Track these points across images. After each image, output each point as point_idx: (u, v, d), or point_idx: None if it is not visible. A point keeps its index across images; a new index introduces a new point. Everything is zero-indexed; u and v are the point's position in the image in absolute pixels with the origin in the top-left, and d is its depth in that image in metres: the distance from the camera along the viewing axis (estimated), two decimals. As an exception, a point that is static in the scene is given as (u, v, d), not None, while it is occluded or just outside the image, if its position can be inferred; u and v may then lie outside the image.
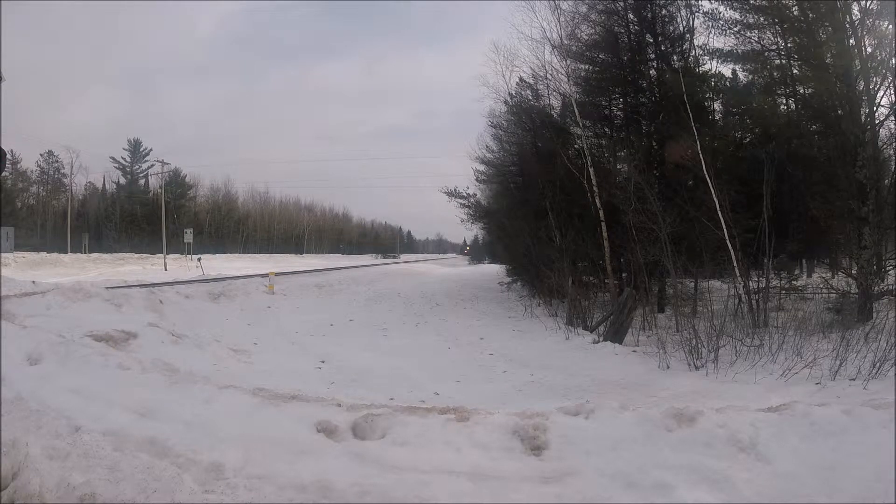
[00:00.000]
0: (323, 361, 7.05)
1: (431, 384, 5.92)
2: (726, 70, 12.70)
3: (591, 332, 9.27)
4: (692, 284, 11.17)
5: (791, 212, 10.37)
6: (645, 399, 4.95)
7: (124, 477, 2.45)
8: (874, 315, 7.57)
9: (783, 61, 11.66)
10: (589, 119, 13.66)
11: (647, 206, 10.03)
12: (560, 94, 14.43)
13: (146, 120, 73.55)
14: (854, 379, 5.02)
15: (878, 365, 5.03)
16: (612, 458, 2.51)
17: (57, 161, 44.02)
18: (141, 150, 48.62)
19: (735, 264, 9.50)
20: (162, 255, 27.38)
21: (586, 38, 13.26)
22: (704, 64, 12.39)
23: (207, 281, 15.03)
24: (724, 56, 11.87)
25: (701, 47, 12.13)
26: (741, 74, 12.78)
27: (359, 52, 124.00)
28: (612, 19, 12.81)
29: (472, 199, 19.44)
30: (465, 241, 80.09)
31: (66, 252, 33.20)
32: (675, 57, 12.42)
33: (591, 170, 12.42)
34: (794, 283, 10.59)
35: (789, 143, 10.60)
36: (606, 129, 14.16)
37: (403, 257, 63.66)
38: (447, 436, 2.76)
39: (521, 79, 15.20)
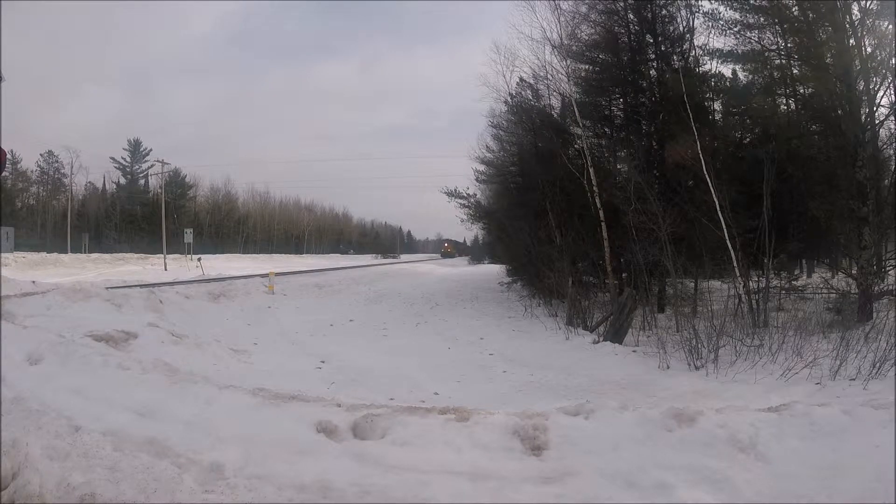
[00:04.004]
0: (323, 361, 7.05)
1: (431, 384, 5.92)
2: (726, 70, 12.69)
3: (591, 332, 9.27)
4: (692, 284, 11.17)
5: (791, 212, 10.36)
6: (645, 399, 4.95)
7: (124, 477, 2.45)
8: (874, 315, 7.58)
9: (783, 61, 11.65)
10: (589, 119, 13.66)
11: (647, 206, 10.03)
12: (560, 94, 14.45)
13: (146, 120, 73.58)
14: (854, 379, 5.03)
15: (878, 365, 5.03)
16: (612, 458, 2.51)
17: (57, 161, 44.05)
18: (141, 150, 48.62)
19: (735, 264, 9.50)
20: (162, 255, 27.36)
21: (586, 38, 13.28)
22: (704, 64, 12.40)
23: (207, 281, 15.04)
24: (724, 56, 11.87)
25: (701, 47, 12.14)
26: (741, 74, 12.77)
27: (358, 51, 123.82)
28: (612, 19, 12.82)
29: (472, 199, 19.41)
30: (464, 239, 75.75)
31: (66, 252, 33.20)
32: (675, 57, 12.42)
33: (591, 170, 12.42)
34: (794, 283, 10.59)
35: (789, 143, 10.59)
36: (606, 129, 14.16)
37: (403, 257, 63.52)
38: (447, 436, 2.76)
39: (521, 79, 15.22)
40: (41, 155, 43.66)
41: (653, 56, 12.63)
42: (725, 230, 9.61)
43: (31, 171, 43.79)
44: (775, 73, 11.92)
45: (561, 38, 13.23)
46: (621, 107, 13.48)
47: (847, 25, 9.21)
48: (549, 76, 14.24)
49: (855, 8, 9.35)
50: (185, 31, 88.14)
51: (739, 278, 9.47)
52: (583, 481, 2.38)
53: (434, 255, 77.09)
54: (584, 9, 13.08)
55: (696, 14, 11.92)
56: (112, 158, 47.79)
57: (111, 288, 10.94)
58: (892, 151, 10.14)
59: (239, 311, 11.55)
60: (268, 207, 60.40)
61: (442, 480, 2.40)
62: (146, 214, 44.02)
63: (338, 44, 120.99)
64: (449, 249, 72.45)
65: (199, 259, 22.45)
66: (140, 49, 79.37)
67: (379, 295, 16.47)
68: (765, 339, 6.73)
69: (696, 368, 6.35)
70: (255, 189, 58.90)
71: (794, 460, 2.40)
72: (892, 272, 9.10)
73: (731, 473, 2.33)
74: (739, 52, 11.68)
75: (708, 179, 9.87)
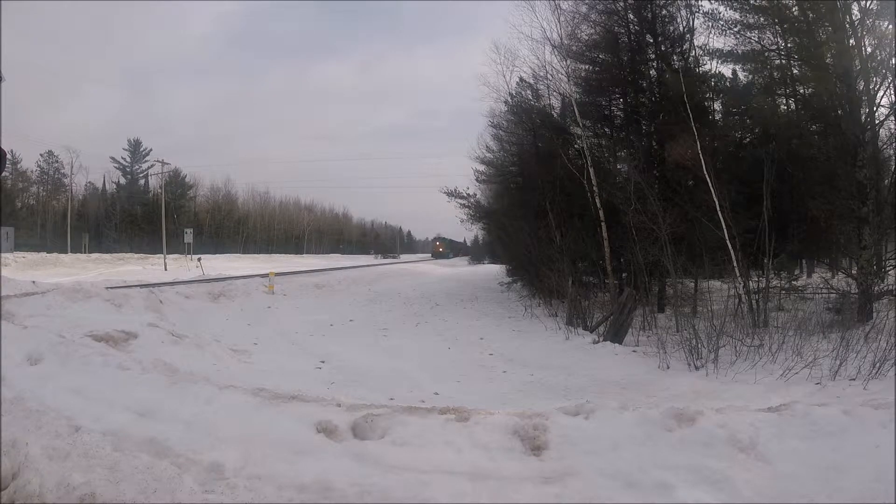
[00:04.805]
0: (323, 361, 7.05)
1: (431, 384, 5.92)
2: (726, 70, 12.73)
3: (591, 332, 9.26)
4: (692, 284, 11.17)
5: (791, 212, 10.37)
6: (645, 399, 4.95)
7: (124, 477, 2.45)
8: (874, 315, 7.58)
9: (783, 61, 11.66)
10: (589, 119, 13.68)
11: (647, 206, 10.03)
12: (560, 94, 14.48)
13: (146, 120, 73.55)
14: (854, 379, 5.02)
15: (878, 365, 5.03)
16: (612, 458, 2.50)
17: (57, 161, 44.03)
18: (141, 150, 48.57)
19: (735, 264, 9.50)
20: (162, 255, 27.36)
21: (586, 38, 13.29)
22: (704, 64, 12.42)
23: (207, 281, 15.03)
24: (724, 56, 11.89)
25: (701, 47, 12.16)
26: (741, 74, 12.80)
27: (358, 51, 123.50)
28: (612, 19, 12.82)
29: (472, 200, 19.45)
30: (464, 240, 69.86)
31: (66, 252, 33.19)
32: (675, 57, 12.42)
33: (591, 170, 12.42)
34: (794, 283, 10.59)
35: (789, 143, 10.59)
36: (606, 129, 14.17)
37: (403, 257, 63.36)
38: (447, 436, 2.76)
39: (521, 79, 15.25)
40: (41, 155, 43.69)
41: (653, 56, 12.64)
42: (725, 230, 9.61)
43: (31, 171, 43.81)
44: (775, 73, 11.93)
45: (561, 38, 13.27)
46: (621, 107, 13.49)
47: (847, 25, 9.20)
48: (549, 76, 14.29)
49: (855, 8, 9.35)
50: (185, 31, 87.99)
51: (739, 278, 9.47)
52: (583, 481, 2.38)
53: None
54: (584, 9, 13.11)
55: (696, 14, 11.96)
56: (112, 158, 47.80)
57: (111, 288, 10.93)
58: (892, 151, 10.15)
59: (239, 311, 11.55)
60: (268, 207, 60.39)
61: (442, 480, 2.40)
62: (146, 214, 44.01)
63: (338, 44, 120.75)
64: (441, 249, 63.82)
65: (199, 259, 22.44)
66: (140, 49, 79.30)
67: (379, 295, 16.47)
68: (765, 339, 6.73)
69: (696, 368, 6.35)
70: (255, 189, 58.94)
71: (794, 460, 2.40)
72: (892, 272, 9.10)
73: (731, 473, 2.33)
74: (739, 52, 11.69)
75: (708, 179, 9.87)
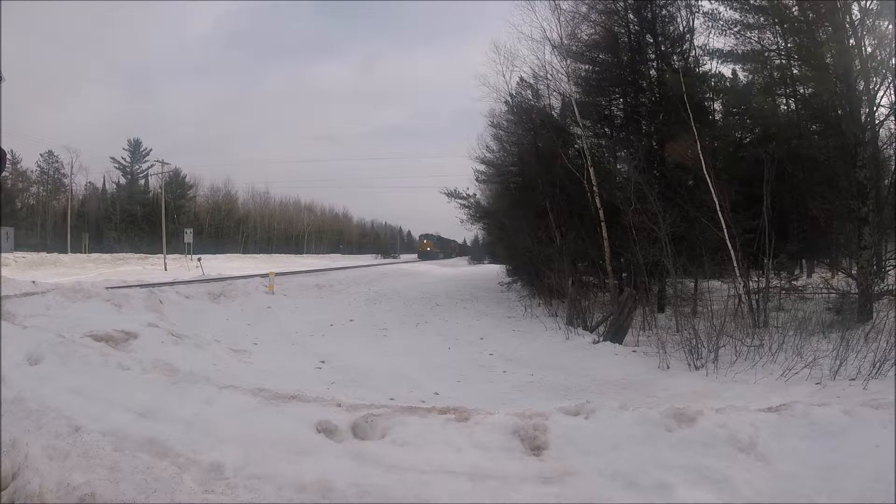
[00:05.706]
0: (323, 361, 7.05)
1: (431, 384, 5.93)
2: (726, 70, 12.73)
3: (591, 332, 9.26)
4: (692, 284, 11.17)
5: (791, 212, 10.38)
6: (645, 399, 4.95)
7: (124, 477, 2.45)
8: (874, 315, 7.57)
9: (783, 61, 11.66)
10: (589, 119, 13.67)
11: (647, 206, 10.03)
12: (560, 94, 14.48)
13: (146, 120, 73.37)
14: (854, 379, 5.02)
15: (878, 365, 5.03)
16: (612, 458, 2.51)
17: (57, 161, 44.01)
18: (141, 150, 48.56)
19: (735, 264, 9.50)
20: (162, 255, 27.36)
21: (586, 38, 13.29)
22: (704, 64, 12.41)
23: (207, 281, 15.03)
24: (724, 56, 11.89)
25: (701, 47, 12.15)
26: (741, 74, 12.81)
27: (358, 51, 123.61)
28: (612, 19, 12.83)
29: (472, 200, 19.51)
30: (464, 240, 68.16)
31: (66, 252, 33.19)
32: (675, 57, 12.42)
33: (591, 170, 12.42)
34: (794, 283, 10.58)
35: (789, 143, 10.60)
36: (606, 129, 14.17)
37: (403, 257, 63.29)
38: (447, 436, 2.76)
39: (521, 79, 15.25)
40: (41, 155, 43.65)
41: (653, 56, 12.64)
42: (725, 230, 9.61)
43: (31, 171, 43.74)
44: (775, 73, 11.93)
45: (561, 38, 13.27)
46: (621, 107, 13.49)
47: (847, 25, 9.20)
48: (549, 76, 14.29)
49: (855, 8, 9.35)
50: (185, 31, 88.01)
51: (739, 278, 9.46)
52: (583, 481, 2.38)
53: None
54: (584, 9, 13.11)
55: (696, 14, 11.95)
56: (112, 158, 47.79)
57: (111, 288, 10.94)
58: (892, 151, 10.14)
59: (239, 311, 11.54)
60: (268, 207, 60.36)
61: (442, 480, 2.40)
62: (146, 214, 43.98)
63: (338, 44, 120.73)
64: (429, 248, 55.02)
65: (198, 259, 22.45)
66: (140, 49, 79.26)
67: (379, 295, 16.46)
68: (765, 339, 6.72)
69: (696, 368, 6.35)
70: (255, 189, 58.87)
71: (794, 460, 2.40)
72: (892, 272, 9.10)
73: (731, 473, 2.33)
74: (739, 52, 11.69)
75: (708, 179, 9.87)
